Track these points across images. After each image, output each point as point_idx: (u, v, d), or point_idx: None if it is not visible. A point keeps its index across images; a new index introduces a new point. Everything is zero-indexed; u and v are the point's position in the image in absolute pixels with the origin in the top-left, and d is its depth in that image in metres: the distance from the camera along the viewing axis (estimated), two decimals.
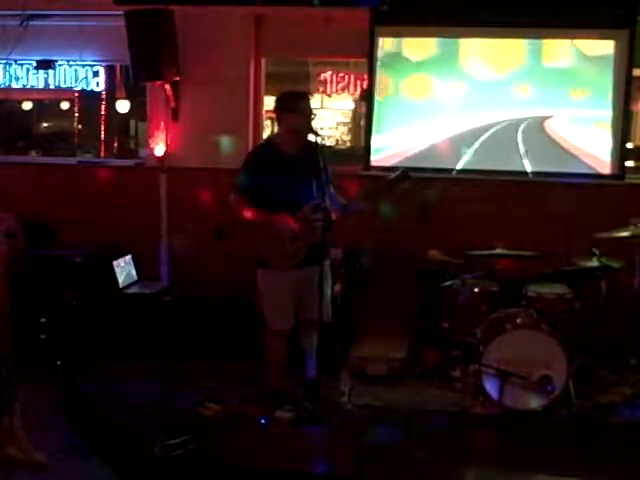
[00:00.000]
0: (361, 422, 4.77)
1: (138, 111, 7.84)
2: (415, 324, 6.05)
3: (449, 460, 4.34)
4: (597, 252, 5.40)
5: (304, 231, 4.65)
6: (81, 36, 6.55)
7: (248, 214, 4.68)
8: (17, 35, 6.51)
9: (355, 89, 7.15)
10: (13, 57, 6.81)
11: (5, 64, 6.96)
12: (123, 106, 8.09)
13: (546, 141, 6.34)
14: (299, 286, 4.77)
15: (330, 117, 9.70)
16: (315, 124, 4.78)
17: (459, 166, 6.43)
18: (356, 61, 6.97)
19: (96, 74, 7.05)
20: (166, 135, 6.70)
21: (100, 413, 3.81)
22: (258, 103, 6.77)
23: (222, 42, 6.49)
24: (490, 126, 6.39)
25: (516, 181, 6.31)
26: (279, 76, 7.33)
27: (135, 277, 6.52)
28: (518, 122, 6.34)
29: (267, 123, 7.33)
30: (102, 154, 8.39)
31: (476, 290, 5.57)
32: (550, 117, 6.31)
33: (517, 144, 6.35)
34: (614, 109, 6.20)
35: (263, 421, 4.33)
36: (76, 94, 8.82)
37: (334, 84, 7.15)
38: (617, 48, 6.15)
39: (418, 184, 5.15)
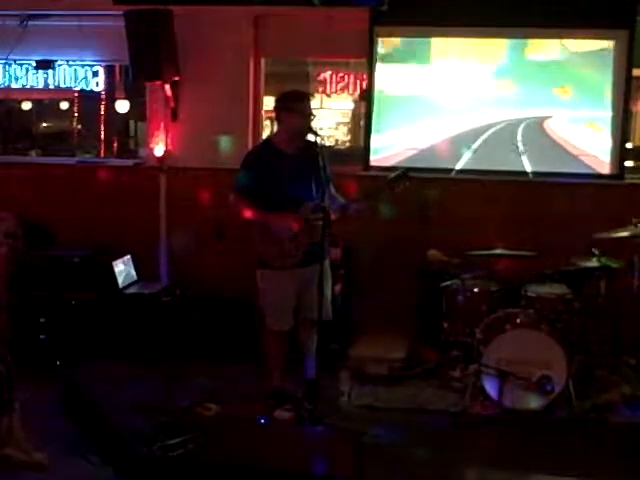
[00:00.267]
0: (361, 422, 4.77)
1: (138, 111, 7.84)
2: (415, 324, 6.05)
3: (449, 460, 4.34)
4: (597, 252, 5.39)
5: (304, 231, 4.65)
6: (81, 36, 6.55)
7: (248, 214, 4.68)
8: (17, 35, 6.51)
9: (355, 89, 7.14)
10: (13, 57, 6.79)
11: (5, 64, 6.94)
12: (123, 106, 8.09)
13: (546, 141, 6.34)
14: (299, 286, 4.78)
15: (330, 117, 9.70)
16: (315, 124, 4.78)
17: (459, 166, 6.42)
18: (356, 61, 6.97)
19: (96, 74, 7.04)
20: (166, 135, 6.70)
21: (100, 413, 3.81)
22: (257, 103, 6.77)
23: (221, 42, 6.48)
24: (490, 126, 6.39)
25: (516, 181, 6.31)
26: (279, 76, 7.32)
27: (135, 277, 6.52)
28: (517, 122, 6.34)
29: (266, 123, 7.32)
30: (102, 154, 8.40)
31: (476, 290, 5.58)
32: (549, 117, 6.31)
33: (517, 144, 6.35)
34: (613, 109, 6.20)
35: (263, 421, 4.34)
36: (76, 94, 8.83)
37: (334, 84, 7.14)
38: (616, 48, 6.14)
39: (418, 184, 5.14)
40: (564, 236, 5.90)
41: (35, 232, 5.91)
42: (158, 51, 6.15)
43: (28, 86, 7.10)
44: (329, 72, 7.13)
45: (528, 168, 6.34)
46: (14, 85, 7.09)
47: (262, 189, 4.69)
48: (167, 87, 6.50)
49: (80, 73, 6.98)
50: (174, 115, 6.67)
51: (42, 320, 5.86)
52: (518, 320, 5.10)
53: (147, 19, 6.10)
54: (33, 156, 8.51)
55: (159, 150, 6.71)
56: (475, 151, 6.41)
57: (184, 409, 4.73)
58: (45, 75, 6.98)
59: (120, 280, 6.26)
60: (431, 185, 6.19)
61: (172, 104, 6.62)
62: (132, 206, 6.68)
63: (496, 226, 6.08)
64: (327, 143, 7.24)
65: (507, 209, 6.21)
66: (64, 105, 9.79)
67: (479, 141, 6.40)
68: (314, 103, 5.21)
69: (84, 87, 7.10)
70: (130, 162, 7.27)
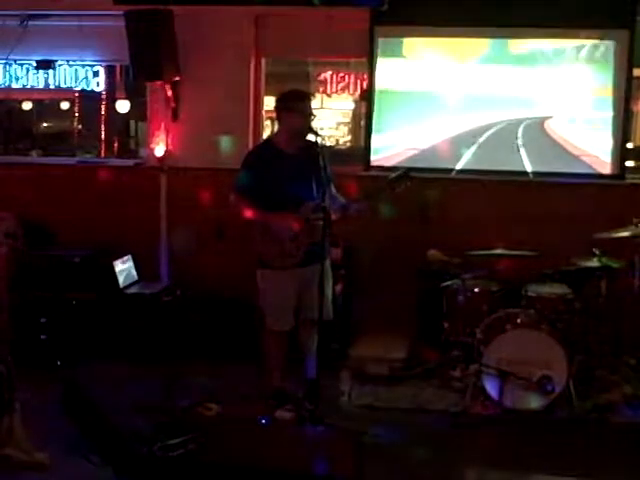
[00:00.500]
0: (361, 422, 4.77)
1: (138, 111, 7.84)
2: (415, 324, 6.05)
3: (449, 460, 4.34)
4: (597, 252, 5.39)
5: (304, 231, 4.65)
6: (81, 36, 6.55)
7: (248, 214, 4.68)
8: (17, 35, 6.51)
9: (355, 89, 7.14)
10: (13, 57, 6.79)
11: (5, 64, 6.94)
12: (123, 106, 8.09)
13: (546, 141, 6.34)
14: (299, 286, 4.78)
15: (330, 117, 9.71)
16: (315, 124, 4.78)
17: (459, 166, 6.42)
18: (356, 61, 6.97)
19: (96, 74, 7.03)
20: (166, 135, 6.70)
21: (100, 413, 3.81)
22: (258, 103, 6.77)
23: (222, 42, 6.48)
24: (490, 126, 6.38)
25: (516, 181, 6.30)
26: (279, 76, 7.32)
27: (135, 277, 6.52)
28: (518, 122, 6.34)
29: (267, 123, 7.33)
30: (102, 154, 8.40)
31: (476, 290, 5.57)
32: (550, 117, 6.31)
33: (517, 144, 6.35)
34: (614, 109, 6.20)
35: (263, 421, 4.34)
36: (76, 94, 8.84)
37: (334, 84, 7.14)
38: (617, 48, 6.14)
39: (418, 184, 5.14)
40: (565, 236, 5.89)
41: (36, 232, 5.91)
42: (158, 51, 6.15)
43: (29, 86, 7.10)
44: (329, 72, 7.13)
45: (529, 168, 6.34)
46: (14, 85, 7.08)
47: (262, 189, 4.69)
48: (167, 87, 6.50)
49: (80, 73, 6.98)
50: (174, 115, 6.67)
51: (43, 320, 5.87)
52: (519, 320, 5.10)
53: (147, 19, 6.10)
54: (34, 156, 8.52)
55: (159, 150, 6.71)
56: (475, 151, 6.41)
57: (185, 409, 4.73)
58: (45, 75, 6.97)
59: (121, 280, 6.26)
60: (431, 185, 6.19)
61: (172, 104, 6.62)
62: (132, 206, 6.68)
63: (497, 226, 6.08)
64: (327, 143, 7.23)
65: (508, 209, 6.20)
66: (64, 105, 9.80)
67: (479, 141, 6.39)
68: (314, 103, 5.21)
69: (84, 87, 7.10)
70: (131, 162, 7.27)
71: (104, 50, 6.84)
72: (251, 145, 6.41)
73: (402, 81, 6.44)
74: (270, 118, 7.22)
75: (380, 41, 6.39)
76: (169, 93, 6.54)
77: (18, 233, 4.23)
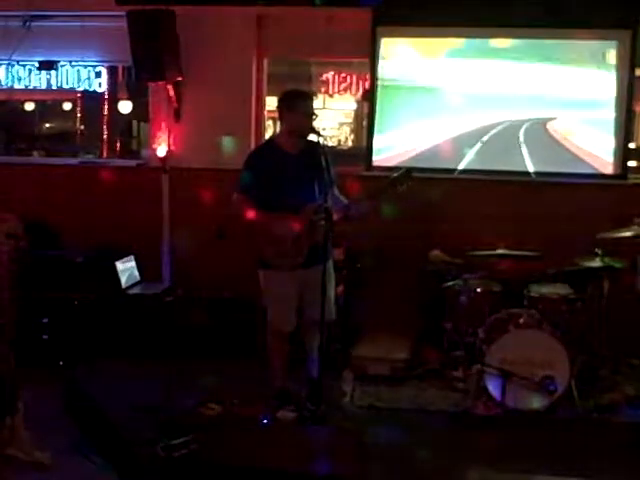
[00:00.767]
0: (363, 422, 4.77)
1: (140, 112, 7.84)
2: (417, 324, 6.05)
3: (451, 460, 4.34)
4: (599, 252, 5.39)
5: (306, 231, 4.64)
6: (83, 37, 6.56)
7: (250, 214, 4.68)
8: (20, 36, 6.52)
9: (357, 89, 7.14)
10: (15, 58, 6.81)
11: (8, 65, 6.95)
12: (125, 107, 8.09)
13: (549, 141, 6.34)
14: (302, 286, 4.77)
15: (332, 117, 9.71)
16: (317, 124, 4.78)
17: (461, 166, 6.42)
18: (358, 61, 6.97)
19: (98, 75, 7.04)
20: (168, 135, 6.70)
21: (102, 413, 3.81)
22: (260, 103, 6.77)
23: (224, 42, 6.49)
24: (493, 126, 6.38)
25: (518, 181, 6.30)
26: (281, 76, 7.33)
27: (137, 277, 6.53)
28: (521, 122, 6.34)
29: (269, 123, 7.33)
30: (104, 155, 8.39)
31: (478, 290, 5.57)
32: (553, 118, 6.31)
33: (520, 144, 6.35)
34: (617, 109, 6.19)
35: (265, 421, 4.34)
36: (78, 95, 8.84)
37: (336, 84, 7.15)
38: (620, 48, 6.14)
39: (420, 184, 5.14)
40: (567, 236, 5.89)
41: (38, 233, 5.91)
42: (161, 51, 6.15)
43: (31, 87, 7.12)
44: (331, 72, 7.14)
45: (531, 168, 6.34)
46: (17, 86, 7.10)
47: (264, 189, 4.68)
48: (170, 87, 6.50)
49: (83, 74, 6.99)
50: (177, 115, 6.68)
51: (45, 320, 5.87)
52: (521, 320, 5.09)
53: (150, 19, 6.10)
54: (36, 157, 8.53)
55: (162, 150, 6.72)
56: (478, 151, 6.40)
57: (187, 409, 4.73)
58: (48, 76, 6.99)
59: (123, 280, 6.27)
60: (434, 185, 6.18)
61: (175, 104, 6.63)
62: (135, 207, 6.68)
63: (499, 226, 6.07)
64: (329, 143, 7.23)
65: (510, 209, 6.20)
66: (67, 106, 9.80)
67: (482, 141, 6.39)
68: (316, 103, 5.22)
69: (87, 88, 7.11)
70: (133, 162, 7.28)
71: (106, 51, 6.85)
72: (253, 145, 6.42)
73: (404, 80, 6.44)
74: (272, 118, 7.23)
75: (382, 41, 6.39)
76: (171, 93, 6.55)
77: (20, 233, 4.23)
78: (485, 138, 6.39)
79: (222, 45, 6.49)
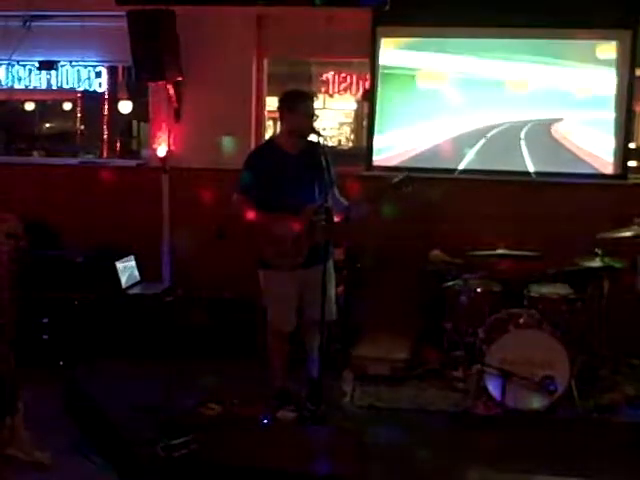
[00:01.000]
0: (363, 422, 4.77)
1: (140, 112, 7.84)
2: (417, 324, 6.05)
3: (451, 460, 4.34)
4: (599, 252, 5.39)
5: (306, 232, 4.64)
6: (83, 37, 6.56)
7: (250, 214, 4.68)
8: (20, 36, 6.52)
9: (357, 89, 7.14)
10: (16, 58, 6.81)
11: (8, 65, 6.95)
12: (125, 107, 8.09)
13: (549, 141, 6.34)
14: (302, 287, 4.77)
15: (332, 117, 9.71)
16: (317, 124, 4.78)
17: (462, 166, 6.42)
18: (358, 61, 6.97)
19: (98, 75, 7.04)
20: (168, 135, 6.70)
21: (102, 413, 3.81)
22: (260, 104, 6.77)
23: (224, 42, 6.49)
24: (493, 126, 6.38)
25: (519, 181, 6.30)
26: (281, 76, 7.33)
27: (138, 277, 6.53)
28: (521, 123, 6.34)
29: (269, 124, 7.33)
30: (104, 155, 8.39)
31: (478, 290, 5.57)
32: (553, 118, 6.30)
33: (520, 144, 6.35)
34: (617, 109, 6.19)
35: (265, 421, 4.33)
36: (78, 95, 8.84)
37: (336, 84, 7.14)
38: (620, 49, 6.14)
39: (421, 184, 5.13)
40: (567, 236, 5.89)
41: (38, 233, 5.91)
42: (161, 51, 6.15)
43: (31, 87, 7.12)
44: (332, 72, 7.13)
45: (531, 168, 6.33)
46: (17, 86, 7.10)
47: (264, 189, 4.68)
48: (170, 87, 6.50)
49: (83, 74, 6.99)
50: (177, 115, 6.68)
51: (45, 320, 5.87)
52: (521, 320, 5.09)
53: (150, 19, 6.10)
54: (36, 157, 8.52)
55: (162, 150, 6.72)
56: (478, 151, 6.40)
57: (187, 409, 4.73)
58: (48, 76, 6.99)
59: (123, 280, 6.28)
60: (434, 185, 6.18)
61: (175, 104, 6.63)
62: (135, 207, 6.69)
63: (499, 226, 6.07)
64: (330, 143, 7.22)
65: (510, 209, 6.20)
66: (67, 106, 9.80)
67: (482, 141, 6.39)
68: (317, 103, 5.21)
69: (87, 88, 7.11)
70: (133, 163, 7.28)
71: (106, 51, 6.85)
72: (253, 145, 6.41)
73: (405, 79, 6.45)
74: (272, 119, 7.22)
75: (382, 41, 6.39)
76: (171, 93, 6.55)
77: (20, 233, 4.23)
78: (485, 138, 6.39)
79: (222, 45, 6.49)
